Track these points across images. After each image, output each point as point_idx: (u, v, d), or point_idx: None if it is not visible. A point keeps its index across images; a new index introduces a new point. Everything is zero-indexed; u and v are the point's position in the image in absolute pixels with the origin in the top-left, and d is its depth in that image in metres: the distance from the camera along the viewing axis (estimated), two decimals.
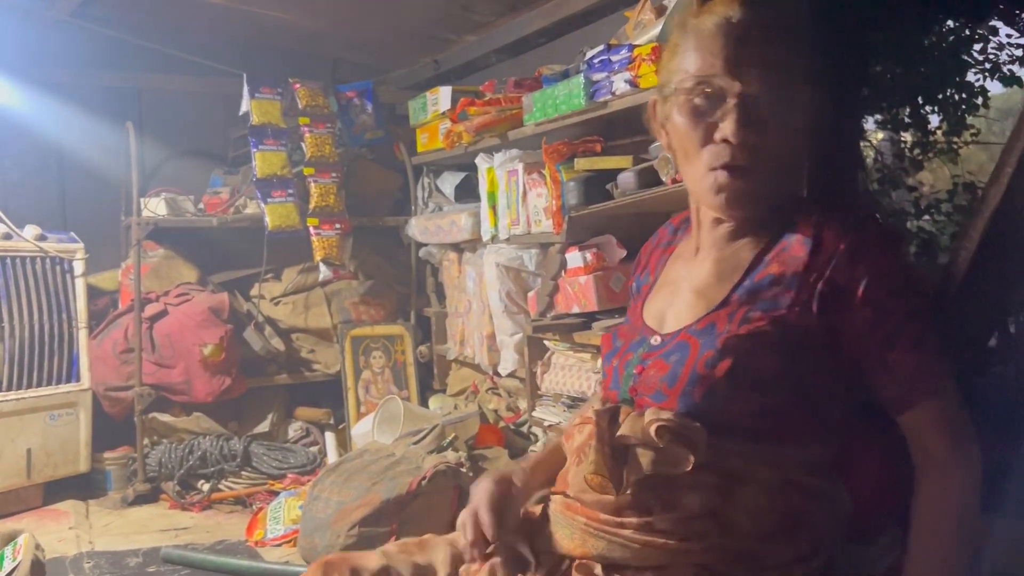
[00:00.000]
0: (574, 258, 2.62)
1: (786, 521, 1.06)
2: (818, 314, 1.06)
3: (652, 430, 1.04)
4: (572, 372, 2.64)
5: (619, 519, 1.06)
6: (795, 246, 1.09)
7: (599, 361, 2.26)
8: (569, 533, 1.10)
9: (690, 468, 1.03)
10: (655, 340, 1.14)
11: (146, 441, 3.19)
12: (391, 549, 1.23)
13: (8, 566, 2.16)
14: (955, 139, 6.33)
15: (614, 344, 1.22)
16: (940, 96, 5.93)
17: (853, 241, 1.06)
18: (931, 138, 6.30)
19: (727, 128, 1.07)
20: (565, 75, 2.66)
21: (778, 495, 1.06)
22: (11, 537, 2.32)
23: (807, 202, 1.17)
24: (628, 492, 1.06)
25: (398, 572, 1.17)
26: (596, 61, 2.45)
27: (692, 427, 1.04)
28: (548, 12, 2.97)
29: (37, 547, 2.24)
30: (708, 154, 1.09)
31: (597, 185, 2.53)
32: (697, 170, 1.12)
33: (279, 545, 2.68)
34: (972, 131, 6.46)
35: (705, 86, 1.09)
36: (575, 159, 2.60)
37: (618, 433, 1.07)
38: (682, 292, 1.18)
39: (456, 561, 1.19)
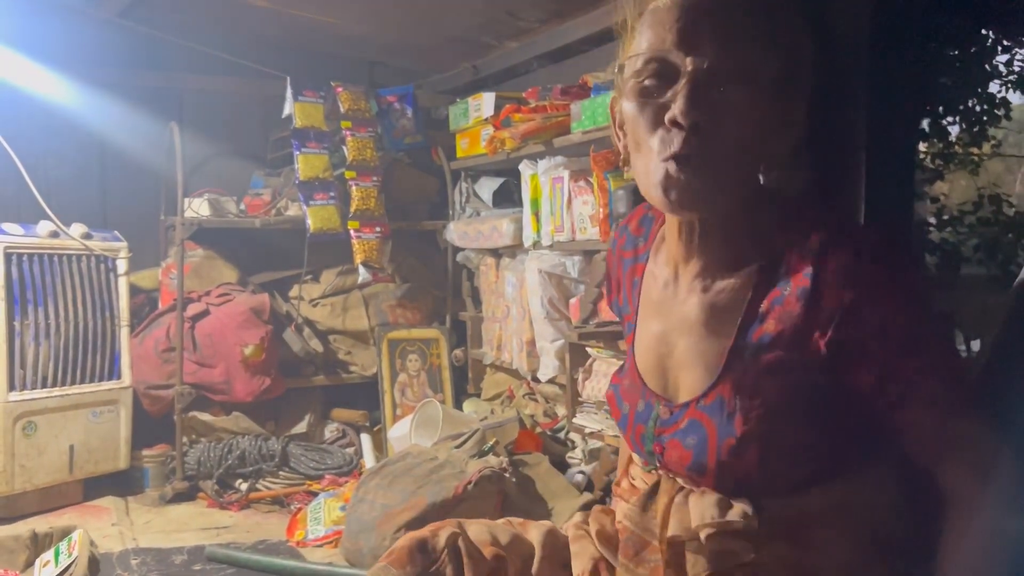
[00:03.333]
0: None
1: (868, 545, 0.98)
2: (826, 373, 0.95)
3: (702, 537, 0.98)
4: None
5: None
6: (790, 299, 0.95)
7: None
8: None
9: (752, 556, 0.96)
10: (664, 413, 1.05)
11: (185, 439, 3.21)
12: (495, 520, 1.24)
13: (64, 561, 2.18)
14: (974, 150, 6.32)
15: (620, 409, 1.14)
16: (961, 107, 5.93)
17: (858, 294, 0.92)
18: (952, 149, 6.29)
19: (677, 108, 0.92)
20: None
21: (853, 526, 0.99)
22: (65, 533, 2.34)
23: (794, 221, 1.00)
24: None
25: (496, 536, 1.18)
26: None
27: (743, 522, 0.96)
28: (594, 20, 2.95)
29: (91, 543, 2.27)
30: (657, 142, 0.94)
31: None
32: (646, 164, 0.96)
33: (321, 546, 2.69)
34: (993, 142, 6.46)
35: (655, 63, 0.94)
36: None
37: (669, 534, 1.01)
38: (673, 345, 1.07)
39: (550, 543, 1.19)
